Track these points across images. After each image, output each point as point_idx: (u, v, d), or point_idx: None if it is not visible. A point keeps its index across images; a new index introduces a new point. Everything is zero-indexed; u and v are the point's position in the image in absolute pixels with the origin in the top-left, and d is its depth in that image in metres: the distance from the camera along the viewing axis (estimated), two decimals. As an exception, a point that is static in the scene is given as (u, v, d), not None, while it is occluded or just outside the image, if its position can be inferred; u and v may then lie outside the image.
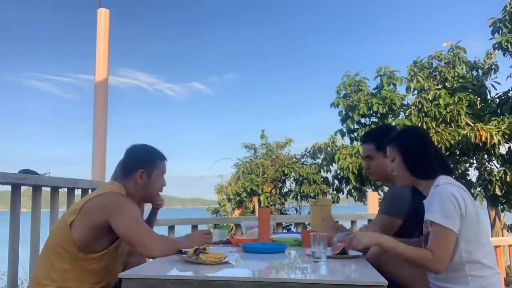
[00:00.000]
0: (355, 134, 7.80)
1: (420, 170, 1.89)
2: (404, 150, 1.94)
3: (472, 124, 6.82)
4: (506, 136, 6.59)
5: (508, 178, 6.74)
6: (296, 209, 8.91)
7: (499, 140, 6.47)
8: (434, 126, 6.99)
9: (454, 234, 1.68)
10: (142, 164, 2.13)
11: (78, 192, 3.06)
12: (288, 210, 9.02)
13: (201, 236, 2.10)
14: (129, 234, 1.92)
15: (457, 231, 1.69)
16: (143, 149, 2.23)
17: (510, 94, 7.28)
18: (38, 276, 1.97)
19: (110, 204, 1.95)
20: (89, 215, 1.93)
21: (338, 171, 8.07)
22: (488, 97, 7.66)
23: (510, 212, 7.50)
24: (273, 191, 8.73)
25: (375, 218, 2.34)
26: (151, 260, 1.95)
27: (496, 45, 7.33)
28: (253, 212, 8.22)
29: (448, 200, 1.70)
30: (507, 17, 7.28)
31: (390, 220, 2.22)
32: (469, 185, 7.53)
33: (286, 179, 8.83)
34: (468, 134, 6.56)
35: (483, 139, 6.42)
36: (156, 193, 2.25)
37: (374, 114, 7.78)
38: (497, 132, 6.48)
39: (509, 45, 7.08)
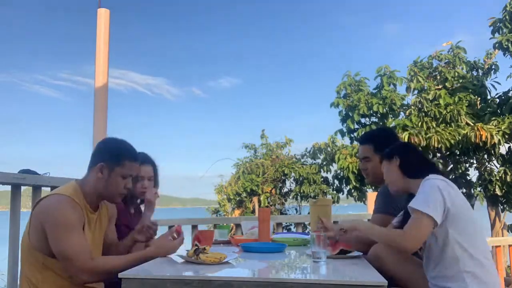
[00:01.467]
0: (355, 134, 7.81)
1: (410, 170, 1.96)
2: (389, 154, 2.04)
3: (472, 124, 6.83)
4: (506, 136, 6.60)
5: (508, 178, 6.75)
6: (296, 209, 8.92)
7: (499, 140, 6.47)
8: (434, 126, 7.00)
9: (430, 219, 1.71)
10: (105, 157, 1.87)
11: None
12: (288, 210, 9.02)
13: (168, 241, 1.90)
14: (57, 247, 1.70)
15: (437, 218, 1.72)
16: (114, 142, 1.96)
17: (510, 94, 7.29)
18: None
19: (44, 209, 1.75)
20: (34, 219, 1.77)
21: (338, 171, 8.08)
22: (488, 97, 7.67)
23: (510, 212, 7.51)
24: (273, 191, 8.73)
25: (372, 218, 2.36)
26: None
27: (497, 45, 7.34)
28: (253, 212, 8.22)
29: (433, 190, 1.75)
30: (507, 17, 7.30)
31: (386, 218, 2.22)
32: (469, 185, 7.54)
33: (286, 179, 8.83)
34: (468, 134, 6.56)
35: (483, 138, 6.43)
36: (114, 194, 1.90)
37: (374, 114, 7.79)
38: (497, 132, 6.49)
39: (509, 45, 7.09)
